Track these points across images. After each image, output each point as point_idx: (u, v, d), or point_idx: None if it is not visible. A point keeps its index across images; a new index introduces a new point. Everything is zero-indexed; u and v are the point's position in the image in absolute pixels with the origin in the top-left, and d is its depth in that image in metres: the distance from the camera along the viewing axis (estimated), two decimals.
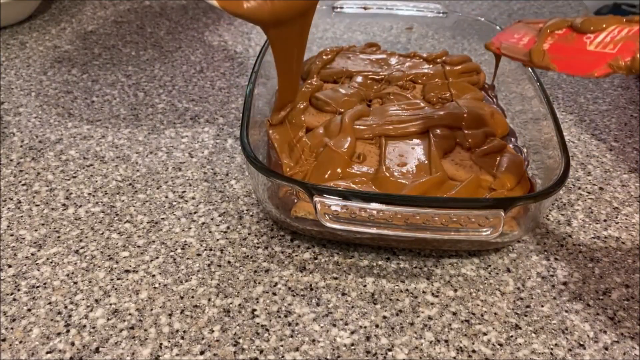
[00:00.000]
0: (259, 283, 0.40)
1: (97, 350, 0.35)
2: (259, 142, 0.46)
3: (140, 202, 0.46)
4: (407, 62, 0.59)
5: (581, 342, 0.36)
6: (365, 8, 0.65)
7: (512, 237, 0.40)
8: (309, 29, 0.46)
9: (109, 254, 0.41)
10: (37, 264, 0.41)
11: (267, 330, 0.36)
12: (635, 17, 0.34)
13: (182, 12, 0.80)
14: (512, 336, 0.37)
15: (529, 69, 0.52)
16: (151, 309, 0.37)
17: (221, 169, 0.50)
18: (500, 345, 0.36)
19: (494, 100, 0.55)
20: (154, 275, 0.40)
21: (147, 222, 0.44)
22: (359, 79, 0.55)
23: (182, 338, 0.36)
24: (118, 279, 0.40)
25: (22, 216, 0.45)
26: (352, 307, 0.38)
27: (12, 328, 0.36)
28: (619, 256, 0.43)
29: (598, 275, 0.41)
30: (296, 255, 0.42)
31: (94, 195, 0.47)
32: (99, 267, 0.40)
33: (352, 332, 0.36)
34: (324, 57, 0.59)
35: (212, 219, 0.45)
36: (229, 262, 0.41)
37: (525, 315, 0.38)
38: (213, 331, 0.36)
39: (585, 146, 0.54)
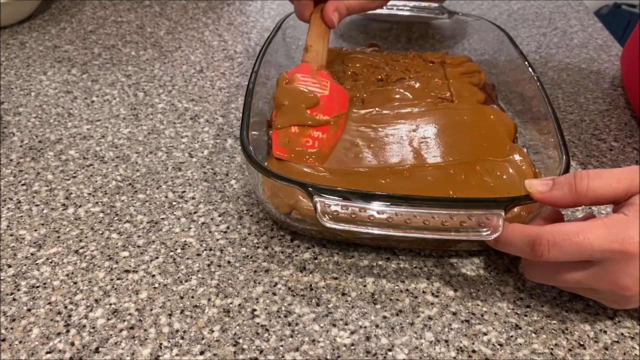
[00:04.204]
0: (259, 283, 0.39)
1: (97, 350, 0.35)
2: (259, 142, 0.46)
3: (140, 202, 0.46)
4: (407, 62, 0.59)
5: (581, 342, 0.36)
6: None
7: None
8: None
9: (109, 254, 0.41)
10: (37, 264, 0.41)
11: (267, 330, 0.36)
12: None
13: (182, 12, 0.80)
14: (512, 336, 0.36)
15: (529, 68, 0.52)
16: (151, 309, 0.37)
17: (221, 169, 0.50)
18: (500, 345, 0.36)
19: (494, 100, 0.55)
20: (153, 275, 0.40)
21: (147, 222, 0.44)
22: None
23: (182, 338, 0.36)
24: (118, 279, 0.40)
25: (22, 216, 0.45)
26: (352, 307, 0.38)
27: (12, 328, 0.36)
28: None
29: None
30: (296, 255, 0.42)
31: (93, 195, 0.47)
32: (99, 267, 0.40)
33: (352, 332, 0.36)
34: None
35: (212, 219, 0.45)
36: (229, 262, 0.41)
37: (525, 315, 0.38)
38: (213, 331, 0.36)
39: (585, 146, 0.54)
